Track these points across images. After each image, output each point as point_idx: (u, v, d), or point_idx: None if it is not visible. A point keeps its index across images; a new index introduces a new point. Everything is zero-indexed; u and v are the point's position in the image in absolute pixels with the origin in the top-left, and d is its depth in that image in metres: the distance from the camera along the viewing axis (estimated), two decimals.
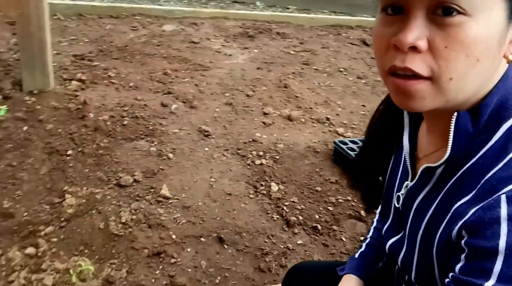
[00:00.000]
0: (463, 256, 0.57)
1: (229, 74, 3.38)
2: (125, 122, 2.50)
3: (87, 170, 2.08)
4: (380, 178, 0.85)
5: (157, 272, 1.62)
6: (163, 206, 1.93)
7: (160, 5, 5.05)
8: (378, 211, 0.97)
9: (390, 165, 0.82)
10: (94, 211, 1.83)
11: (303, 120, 2.83)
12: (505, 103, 0.60)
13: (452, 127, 0.60)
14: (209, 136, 2.51)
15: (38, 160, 2.10)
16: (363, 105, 3.16)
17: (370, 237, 0.97)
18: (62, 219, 1.77)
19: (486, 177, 0.57)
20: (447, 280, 0.59)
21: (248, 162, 2.32)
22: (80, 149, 2.21)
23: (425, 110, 0.59)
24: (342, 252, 1.80)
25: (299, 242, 1.84)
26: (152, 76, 3.15)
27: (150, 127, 2.50)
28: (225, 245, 1.77)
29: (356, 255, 0.95)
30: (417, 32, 0.54)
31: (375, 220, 0.98)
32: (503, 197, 0.54)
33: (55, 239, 1.68)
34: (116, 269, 1.60)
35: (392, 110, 0.77)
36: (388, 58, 0.58)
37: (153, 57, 3.48)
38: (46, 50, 2.62)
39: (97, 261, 1.62)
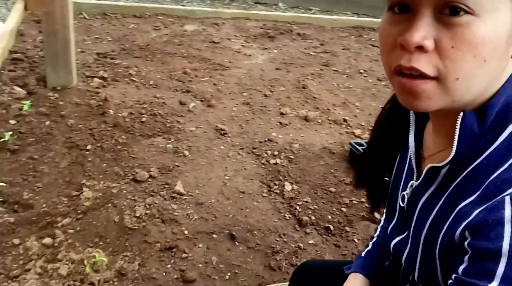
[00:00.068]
0: (466, 257, 0.57)
1: (247, 74, 3.39)
2: (144, 119, 2.54)
3: (105, 164, 2.13)
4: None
5: (169, 266, 1.64)
6: (177, 202, 1.96)
7: (182, 5, 5.11)
8: (385, 210, 0.96)
9: (396, 165, 0.82)
10: (110, 205, 1.87)
11: (320, 121, 2.82)
12: (511, 104, 0.59)
13: (458, 127, 0.59)
14: (225, 135, 2.53)
15: (59, 154, 2.16)
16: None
17: (377, 236, 0.96)
18: (79, 211, 1.82)
19: (491, 178, 0.57)
20: (450, 281, 0.58)
21: (262, 161, 2.33)
22: (99, 144, 2.26)
23: (431, 110, 0.58)
24: (353, 254, 1.79)
25: (310, 242, 1.83)
26: (172, 75, 3.19)
27: (168, 125, 2.53)
28: (236, 242, 1.78)
29: (363, 254, 0.94)
30: (423, 31, 0.53)
31: (382, 219, 0.98)
32: (507, 199, 0.54)
33: (71, 231, 1.72)
34: (129, 261, 1.63)
35: (398, 110, 0.76)
36: (394, 57, 0.57)
37: (173, 56, 3.53)
38: (69, 48, 2.70)
39: (110, 253, 1.65)
